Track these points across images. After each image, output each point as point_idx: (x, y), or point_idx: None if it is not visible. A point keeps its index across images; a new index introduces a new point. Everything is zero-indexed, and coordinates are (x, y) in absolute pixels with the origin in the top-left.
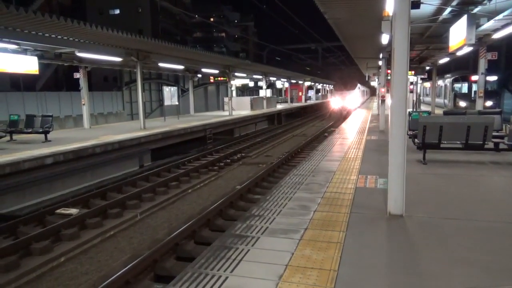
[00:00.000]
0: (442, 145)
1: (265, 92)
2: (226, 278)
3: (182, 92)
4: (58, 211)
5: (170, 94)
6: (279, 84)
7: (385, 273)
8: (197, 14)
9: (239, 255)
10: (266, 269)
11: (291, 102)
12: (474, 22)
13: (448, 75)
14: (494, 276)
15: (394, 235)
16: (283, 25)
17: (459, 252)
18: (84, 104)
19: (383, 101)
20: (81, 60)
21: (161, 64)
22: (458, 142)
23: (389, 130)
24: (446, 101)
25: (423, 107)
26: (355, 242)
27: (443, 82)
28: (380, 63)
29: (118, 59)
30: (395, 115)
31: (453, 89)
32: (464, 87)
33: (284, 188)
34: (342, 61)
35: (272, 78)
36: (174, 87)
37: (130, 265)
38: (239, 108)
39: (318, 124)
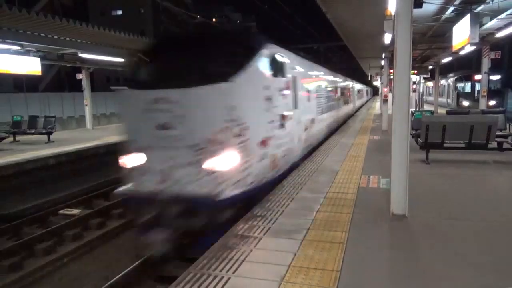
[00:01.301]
0: (445, 145)
1: None
2: (229, 279)
3: None
4: (61, 211)
5: None
6: None
7: (388, 274)
8: (199, 14)
9: (242, 255)
10: (268, 270)
11: None
12: (477, 21)
13: (451, 75)
14: (499, 277)
15: (397, 235)
16: (284, 25)
17: (463, 252)
18: (86, 105)
19: (385, 100)
20: (83, 61)
21: None
22: (461, 141)
23: (392, 129)
24: (449, 100)
25: (426, 107)
26: (358, 242)
27: (446, 82)
28: (383, 62)
29: (121, 60)
30: (398, 114)
31: (456, 88)
32: (467, 86)
33: (286, 188)
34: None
35: None
36: None
37: (134, 265)
38: None
39: None
